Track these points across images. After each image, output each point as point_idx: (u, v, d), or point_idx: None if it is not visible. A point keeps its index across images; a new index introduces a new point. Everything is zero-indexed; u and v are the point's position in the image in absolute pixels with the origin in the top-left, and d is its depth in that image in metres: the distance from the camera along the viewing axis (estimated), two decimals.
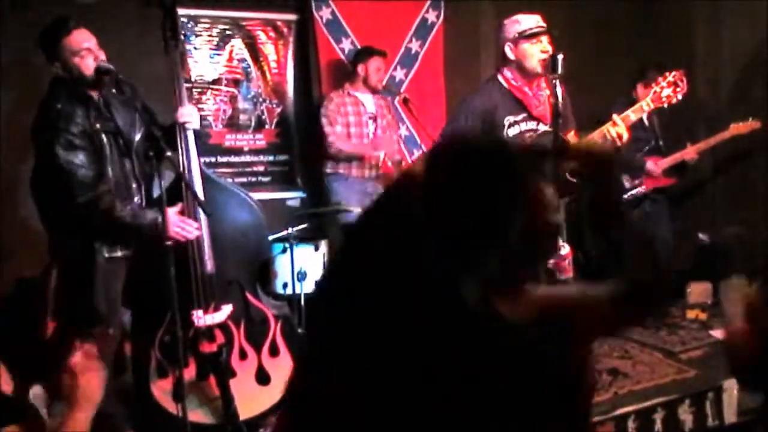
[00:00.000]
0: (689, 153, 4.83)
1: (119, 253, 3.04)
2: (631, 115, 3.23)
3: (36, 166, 2.99)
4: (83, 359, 2.90)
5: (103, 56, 2.95)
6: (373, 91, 4.95)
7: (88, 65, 2.91)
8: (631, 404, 3.37)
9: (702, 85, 5.06)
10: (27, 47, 2.97)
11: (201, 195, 3.13)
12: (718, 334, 4.32)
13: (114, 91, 3.03)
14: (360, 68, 4.91)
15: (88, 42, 2.92)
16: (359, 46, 5.19)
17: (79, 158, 2.86)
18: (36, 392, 3.00)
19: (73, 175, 2.84)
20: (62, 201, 2.88)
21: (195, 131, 3.18)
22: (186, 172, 3.10)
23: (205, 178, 3.20)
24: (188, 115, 3.14)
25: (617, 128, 3.16)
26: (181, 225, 3.02)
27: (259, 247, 3.47)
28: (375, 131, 4.95)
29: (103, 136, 2.96)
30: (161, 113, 3.31)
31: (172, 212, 3.01)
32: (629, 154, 4.74)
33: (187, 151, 3.13)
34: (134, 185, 3.07)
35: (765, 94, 4.70)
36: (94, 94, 2.98)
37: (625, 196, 4.90)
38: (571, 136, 3.41)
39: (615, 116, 3.21)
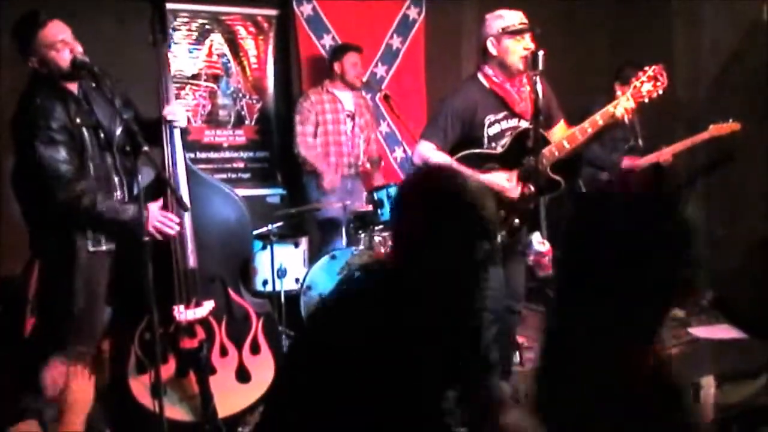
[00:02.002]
0: (664, 155, 4.83)
1: (104, 247, 3.00)
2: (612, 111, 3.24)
3: (17, 163, 2.95)
4: (70, 368, 2.86)
5: (79, 48, 2.89)
6: (352, 87, 4.93)
7: (64, 58, 2.85)
8: None
9: (681, 84, 5.09)
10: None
11: (185, 191, 3.09)
12: (696, 332, 4.37)
13: (93, 84, 2.99)
14: (336, 66, 4.89)
15: (63, 34, 2.86)
16: (340, 42, 5.17)
17: (60, 154, 2.82)
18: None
19: (54, 171, 2.80)
20: (43, 197, 2.84)
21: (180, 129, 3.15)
22: (171, 168, 3.06)
23: (190, 173, 3.16)
24: (175, 113, 3.10)
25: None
26: (162, 220, 2.99)
27: (242, 243, 3.43)
28: (353, 129, 4.94)
29: (84, 130, 2.91)
30: (141, 107, 3.26)
31: (153, 207, 2.98)
32: (606, 153, 4.75)
33: (173, 149, 3.08)
34: (116, 179, 3.03)
35: (745, 94, 4.75)
36: (74, 88, 2.94)
37: None
38: (560, 126, 3.41)
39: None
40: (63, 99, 2.88)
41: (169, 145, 3.08)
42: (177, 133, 3.11)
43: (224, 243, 3.26)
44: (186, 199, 3.08)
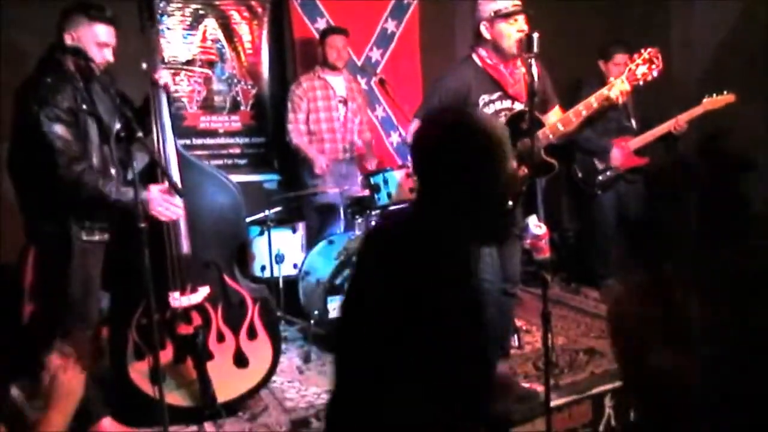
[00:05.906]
0: (679, 123, 4.67)
1: (96, 237, 3.01)
2: (607, 93, 3.23)
3: (14, 143, 2.96)
4: (61, 359, 2.86)
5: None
6: (332, 68, 4.89)
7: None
8: (608, 383, 3.39)
9: (676, 63, 5.06)
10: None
11: (176, 172, 3.10)
12: None
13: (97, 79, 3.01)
14: (320, 49, 4.87)
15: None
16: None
17: (64, 132, 2.84)
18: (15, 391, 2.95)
19: (57, 146, 2.82)
20: (44, 173, 2.84)
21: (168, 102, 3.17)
22: (160, 137, 3.08)
23: (182, 158, 3.17)
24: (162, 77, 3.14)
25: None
26: (164, 204, 2.98)
27: (236, 228, 3.44)
28: (345, 114, 4.93)
29: (88, 118, 2.94)
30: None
31: (155, 189, 2.98)
32: (595, 136, 4.72)
33: (160, 113, 3.10)
34: (113, 170, 3.04)
35: (739, 72, 4.72)
36: (79, 78, 2.96)
37: (600, 178, 4.91)
38: (555, 112, 3.40)
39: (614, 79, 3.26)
40: (72, 84, 2.91)
41: (156, 109, 3.10)
42: (164, 96, 3.13)
43: (218, 228, 3.27)
44: (178, 182, 3.09)
